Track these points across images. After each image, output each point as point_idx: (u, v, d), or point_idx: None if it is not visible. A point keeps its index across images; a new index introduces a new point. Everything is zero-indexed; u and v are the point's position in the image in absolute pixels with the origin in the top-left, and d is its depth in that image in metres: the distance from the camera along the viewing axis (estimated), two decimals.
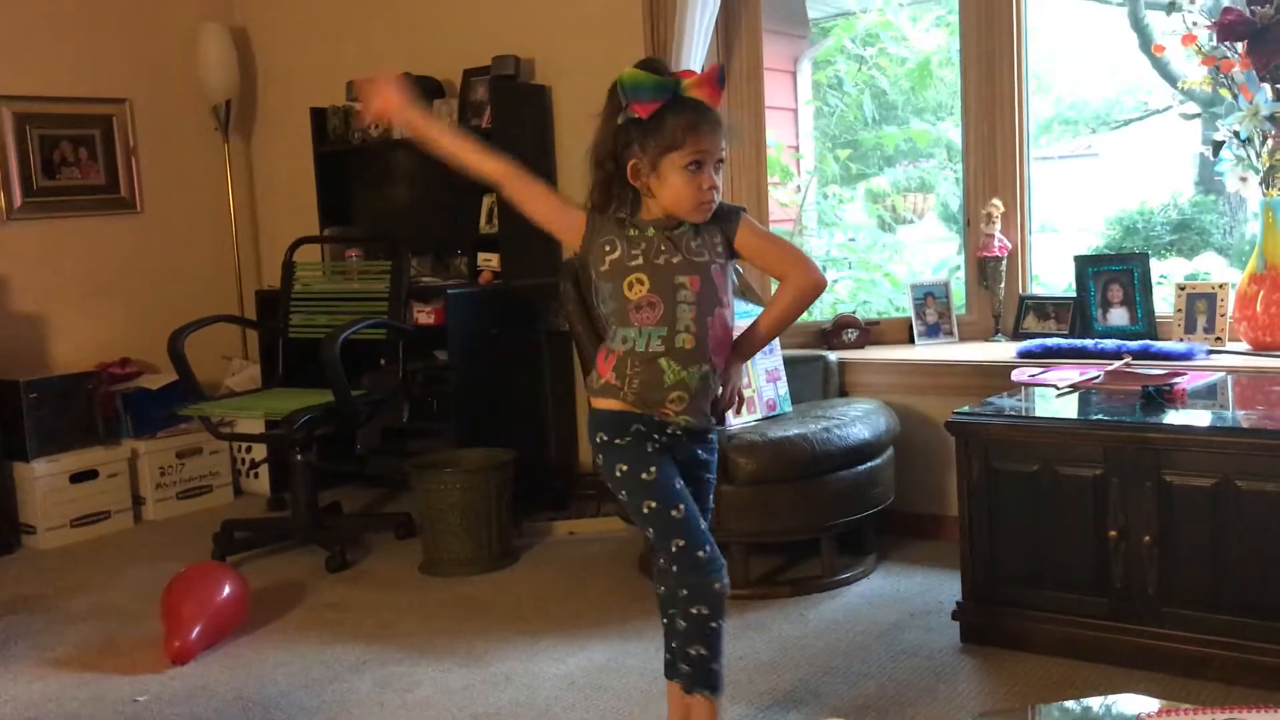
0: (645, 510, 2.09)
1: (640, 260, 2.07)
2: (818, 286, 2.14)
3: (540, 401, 4.22)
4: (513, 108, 4.19)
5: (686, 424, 2.12)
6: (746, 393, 3.34)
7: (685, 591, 2.08)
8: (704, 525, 2.11)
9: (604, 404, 2.13)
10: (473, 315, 4.07)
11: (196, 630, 2.97)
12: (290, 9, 5.00)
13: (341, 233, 4.64)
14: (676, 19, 3.69)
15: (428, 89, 4.42)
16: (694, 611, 2.07)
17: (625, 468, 2.10)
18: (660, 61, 2.08)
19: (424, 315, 4.11)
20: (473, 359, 4.07)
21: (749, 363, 3.27)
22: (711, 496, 2.25)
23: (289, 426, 3.63)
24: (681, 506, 2.07)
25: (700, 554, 2.06)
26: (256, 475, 4.67)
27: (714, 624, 2.08)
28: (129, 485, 4.34)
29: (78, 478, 4.18)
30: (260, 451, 4.60)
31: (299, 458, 3.79)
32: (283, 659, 2.95)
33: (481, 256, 4.24)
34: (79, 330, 4.58)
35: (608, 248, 2.09)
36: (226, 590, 3.09)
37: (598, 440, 2.15)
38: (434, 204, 4.48)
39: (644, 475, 2.08)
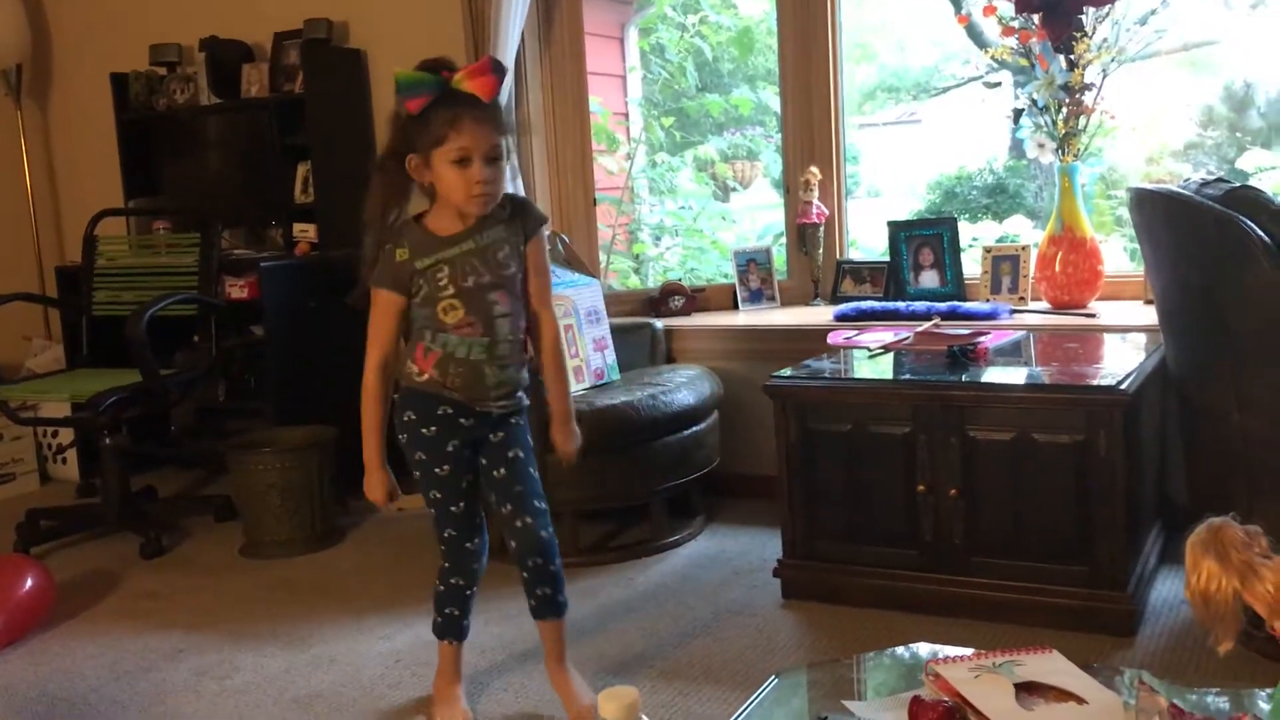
0: (431, 496, 2.24)
1: (450, 289, 2.10)
2: (559, 330, 2.29)
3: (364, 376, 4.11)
4: (326, 73, 4.05)
5: (503, 409, 2.21)
6: (575, 363, 3.33)
7: (447, 572, 2.30)
8: (480, 518, 2.29)
9: (421, 386, 2.17)
10: (289, 288, 3.93)
11: None
12: None
13: (148, 204, 4.42)
14: None
15: (237, 53, 4.24)
16: (454, 582, 2.30)
17: (423, 456, 2.20)
18: (446, 59, 2.05)
19: (237, 289, 3.95)
20: (291, 334, 3.94)
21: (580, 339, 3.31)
22: (530, 466, 2.27)
23: (95, 409, 3.45)
24: (461, 504, 2.24)
25: (468, 545, 2.26)
26: (64, 461, 4.44)
27: (470, 590, 2.32)
28: None
29: None
30: (67, 436, 4.37)
31: (108, 441, 3.61)
32: (92, 651, 2.82)
33: (297, 227, 4.10)
34: None
35: (415, 287, 2.13)
36: (28, 583, 2.94)
37: (405, 419, 2.21)
38: (246, 173, 4.30)
39: (438, 470, 2.20)
